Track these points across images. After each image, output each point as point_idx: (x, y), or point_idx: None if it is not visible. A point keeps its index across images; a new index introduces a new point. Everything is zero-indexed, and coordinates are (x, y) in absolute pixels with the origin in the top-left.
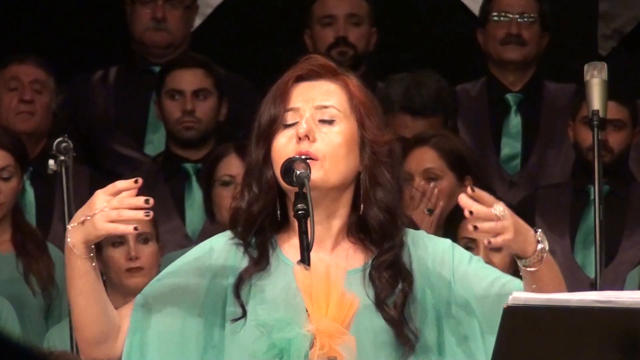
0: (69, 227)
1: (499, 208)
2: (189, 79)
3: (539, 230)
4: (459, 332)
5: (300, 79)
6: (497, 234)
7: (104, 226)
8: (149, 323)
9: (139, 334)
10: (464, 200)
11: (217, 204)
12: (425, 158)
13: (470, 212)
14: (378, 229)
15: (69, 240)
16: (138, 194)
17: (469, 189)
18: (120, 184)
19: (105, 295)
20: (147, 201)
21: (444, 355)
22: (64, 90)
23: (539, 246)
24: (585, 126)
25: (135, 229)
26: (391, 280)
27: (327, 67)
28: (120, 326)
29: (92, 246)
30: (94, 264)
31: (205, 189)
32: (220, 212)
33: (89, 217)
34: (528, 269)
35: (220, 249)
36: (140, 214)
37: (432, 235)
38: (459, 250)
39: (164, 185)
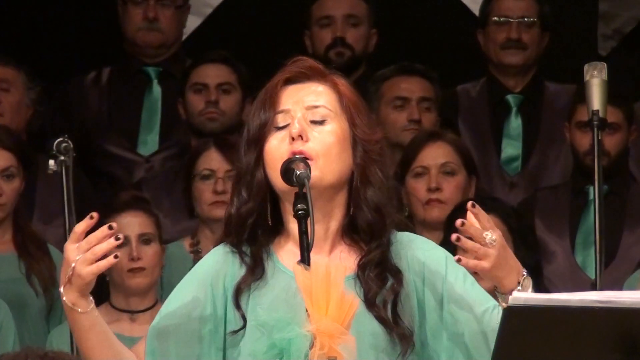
0: (60, 290)
1: (492, 236)
2: (213, 73)
3: (525, 274)
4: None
5: (288, 81)
6: (477, 257)
7: (87, 271)
8: (165, 353)
9: None
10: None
11: (197, 198)
12: (442, 152)
13: (462, 224)
14: (367, 229)
15: (66, 302)
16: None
17: (470, 204)
18: (77, 227)
19: (116, 339)
20: (110, 227)
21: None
22: (39, 82)
23: (517, 289)
24: (580, 130)
25: (116, 257)
26: (378, 279)
27: (315, 68)
28: None
29: (91, 298)
30: (97, 314)
31: (184, 184)
32: (200, 206)
33: (71, 273)
34: (502, 303)
35: (214, 267)
36: (112, 242)
37: (428, 241)
38: (453, 265)
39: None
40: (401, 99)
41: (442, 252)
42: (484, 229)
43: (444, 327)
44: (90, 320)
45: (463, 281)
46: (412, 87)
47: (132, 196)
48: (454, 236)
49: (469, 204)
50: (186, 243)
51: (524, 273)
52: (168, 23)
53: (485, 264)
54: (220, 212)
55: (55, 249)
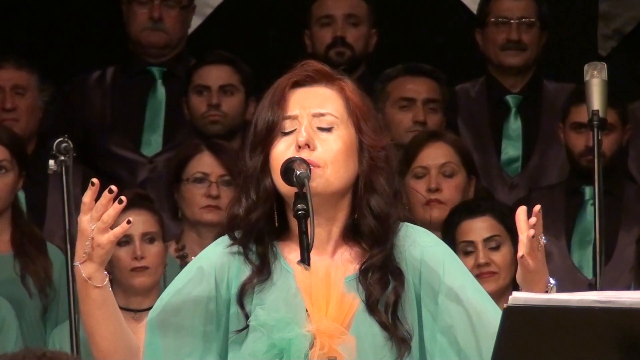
0: (77, 264)
1: (544, 240)
2: (215, 75)
3: (553, 283)
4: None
5: (296, 84)
6: (528, 255)
7: (105, 239)
8: (166, 348)
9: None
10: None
11: (187, 201)
12: (442, 153)
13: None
14: (369, 235)
15: (83, 275)
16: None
17: (538, 209)
18: (85, 198)
19: (122, 318)
20: (110, 191)
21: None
22: (51, 84)
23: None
24: (574, 132)
25: (129, 222)
26: (379, 283)
27: (322, 72)
28: (139, 347)
29: (106, 272)
30: (110, 289)
31: (170, 186)
32: (190, 209)
33: (89, 245)
34: None
35: (219, 259)
36: (116, 206)
37: (430, 235)
38: (452, 262)
39: None
40: (407, 99)
41: (443, 249)
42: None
43: (437, 322)
44: (103, 295)
45: (461, 278)
46: (418, 88)
47: (135, 194)
48: (531, 221)
49: (537, 208)
50: (171, 248)
51: (551, 283)
52: (173, 23)
53: (532, 262)
54: (211, 217)
55: (54, 247)
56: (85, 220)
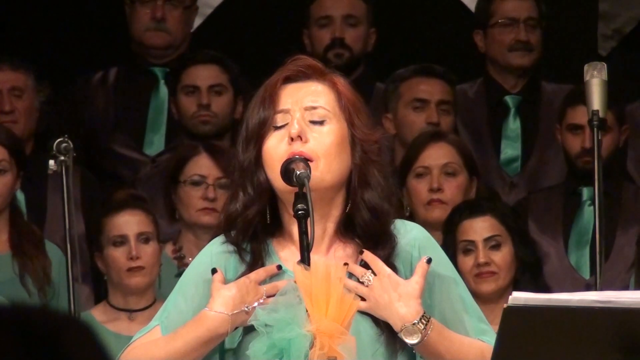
0: (227, 313)
1: (369, 277)
2: (204, 75)
3: (416, 322)
4: None
5: (288, 80)
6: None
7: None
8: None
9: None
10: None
11: (185, 203)
12: (444, 153)
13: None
14: (364, 229)
15: (230, 326)
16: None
17: (359, 252)
18: (264, 276)
19: None
20: (279, 267)
21: None
22: (47, 85)
23: (400, 335)
24: (571, 133)
25: (279, 267)
26: None
27: (314, 67)
28: None
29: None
30: None
31: (168, 187)
32: (187, 212)
33: (247, 308)
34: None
35: (215, 261)
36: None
37: (419, 227)
38: (443, 255)
39: None
40: (420, 100)
41: (435, 242)
42: (367, 270)
43: (430, 296)
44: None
45: (453, 272)
46: (431, 89)
47: (129, 195)
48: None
49: (360, 253)
50: (168, 249)
51: (416, 321)
52: (175, 23)
53: (362, 304)
54: (208, 219)
55: (53, 245)
56: (260, 292)
